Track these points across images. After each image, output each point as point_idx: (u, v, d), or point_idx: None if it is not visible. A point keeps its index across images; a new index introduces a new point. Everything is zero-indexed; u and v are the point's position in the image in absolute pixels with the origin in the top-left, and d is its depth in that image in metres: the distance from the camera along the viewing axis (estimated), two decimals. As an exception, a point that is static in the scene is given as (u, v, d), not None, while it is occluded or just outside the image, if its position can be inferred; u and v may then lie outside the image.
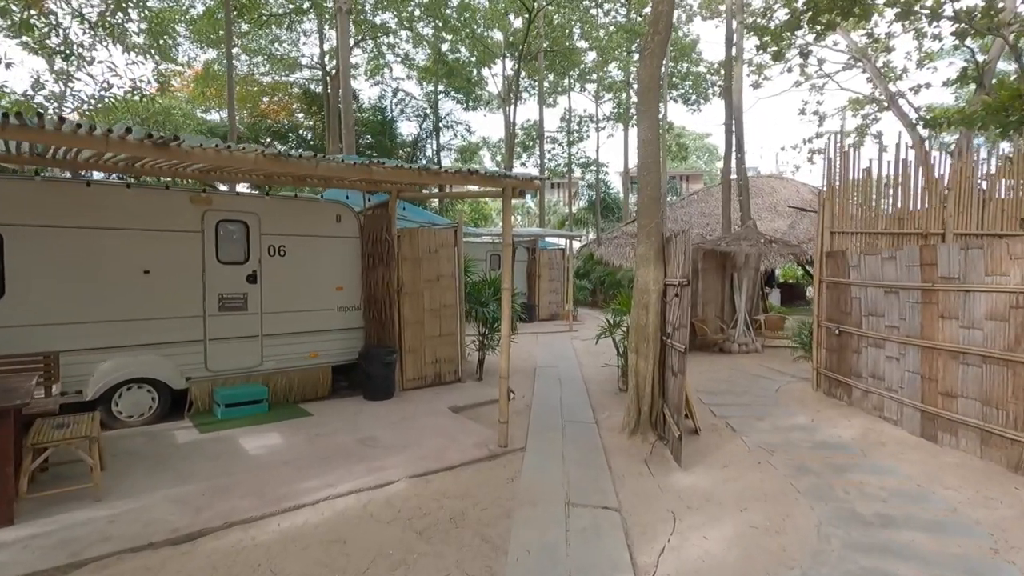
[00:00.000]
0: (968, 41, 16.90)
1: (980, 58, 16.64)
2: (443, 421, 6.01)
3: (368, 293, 7.30)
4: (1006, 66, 22.26)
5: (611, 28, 22.32)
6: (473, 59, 22.36)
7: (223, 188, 8.44)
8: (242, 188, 10.32)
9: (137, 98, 9.71)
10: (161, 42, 9.54)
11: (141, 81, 9.54)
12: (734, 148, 14.22)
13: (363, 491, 4.16)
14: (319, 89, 22.35)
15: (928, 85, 25.34)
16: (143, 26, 8.50)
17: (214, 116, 23.93)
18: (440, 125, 23.50)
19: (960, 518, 3.98)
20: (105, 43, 8.07)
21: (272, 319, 6.59)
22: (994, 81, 16.74)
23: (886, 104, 21.06)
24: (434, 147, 23.74)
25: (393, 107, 22.82)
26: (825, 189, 8.26)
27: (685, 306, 5.12)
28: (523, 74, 25.27)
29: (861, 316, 7.03)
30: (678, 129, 29.30)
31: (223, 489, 4.06)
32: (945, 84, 19.05)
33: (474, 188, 5.96)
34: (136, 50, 8.15)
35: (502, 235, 5.36)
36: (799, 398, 7.74)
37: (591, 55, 26.53)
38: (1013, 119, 14.16)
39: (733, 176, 14.89)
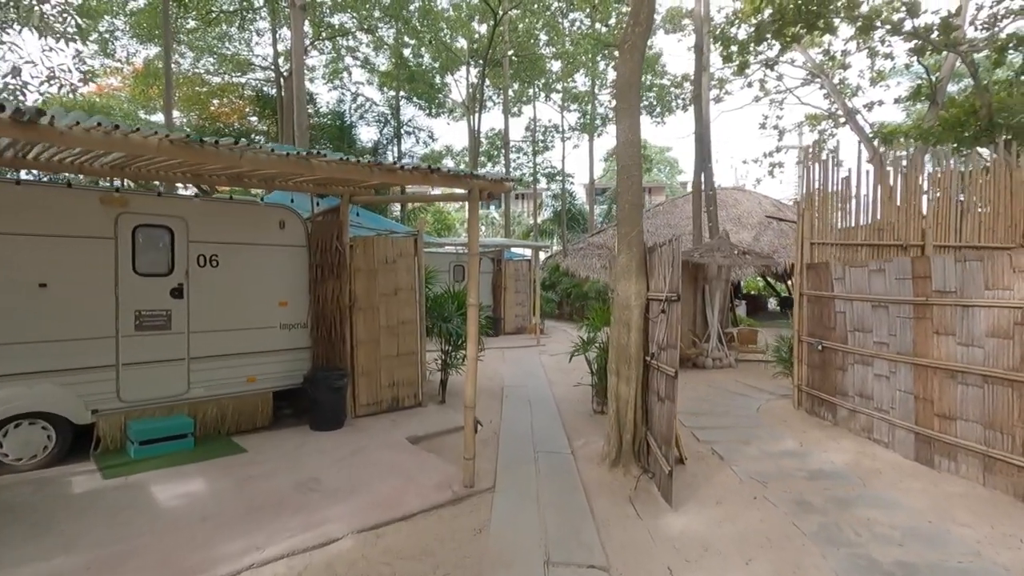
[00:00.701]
0: (922, 60, 17.35)
1: (933, 77, 17.12)
2: (399, 456, 5.27)
3: (317, 309, 6.50)
4: (952, 87, 23.17)
5: (577, 36, 22.14)
6: (436, 65, 21.78)
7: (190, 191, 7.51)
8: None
9: (55, 90, 8.61)
10: (84, 24, 8.47)
11: (62, 69, 8.46)
12: (704, 158, 14.02)
13: (298, 554, 3.40)
14: (273, 91, 21.31)
15: (881, 103, 26.17)
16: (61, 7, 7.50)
17: (159, 117, 22.47)
18: (402, 131, 22.72)
19: (986, 564, 3.52)
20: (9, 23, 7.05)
21: (202, 339, 5.72)
22: (946, 99, 17.28)
23: (843, 120, 21.57)
24: (395, 153, 22.90)
25: (352, 112, 21.96)
26: (803, 199, 7.96)
27: (674, 323, 4.58)
28: (488, 82, 24.83)
29: (847, 331, 6.68)
30: (641, 141, 29.47)
31: (116, 560, 3.22)
32: (897, 101, 19.62)
33: (436, 191, 5.29)
34: (54, 34, 7.16)
35: (468, 245, 4.73)
36: (782, 417, 7.34)
37: (557, 64, 26.37)
38: (968, 135, 14.52)
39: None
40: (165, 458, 4.99)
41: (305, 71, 24.13)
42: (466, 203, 4.78)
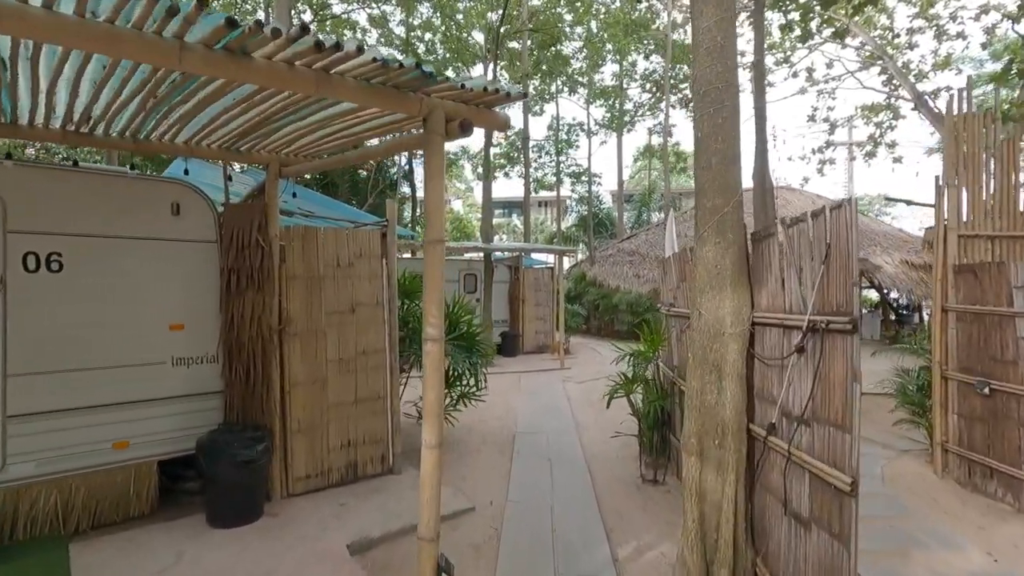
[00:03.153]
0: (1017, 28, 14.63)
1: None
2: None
3: (230, 335, 4.35)
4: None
5: (605, 21, 19.96)
6: (447, 56, 19.86)
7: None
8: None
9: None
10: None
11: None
12: (763, 139, 11.69)
13: None
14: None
15: (948, 88, 23.17)
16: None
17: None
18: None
19: None
20: None
21: (30, 385, 3.62)
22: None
23: (912, 106, 18.81)
24: (406, 154, 21.01)
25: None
26: (946, 168, 5.53)
27: (837, 376, 2.27)
28: (504, 72, 22.77)
29: (1049, 370, 4.24)
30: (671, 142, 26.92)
31: None
32: (993, 79, 16.88)
33: (380, 147, 3.11)
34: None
35: (426, 218, 2.59)
36: (925, 492, 4.90)
37: (580, 56, 24.18)
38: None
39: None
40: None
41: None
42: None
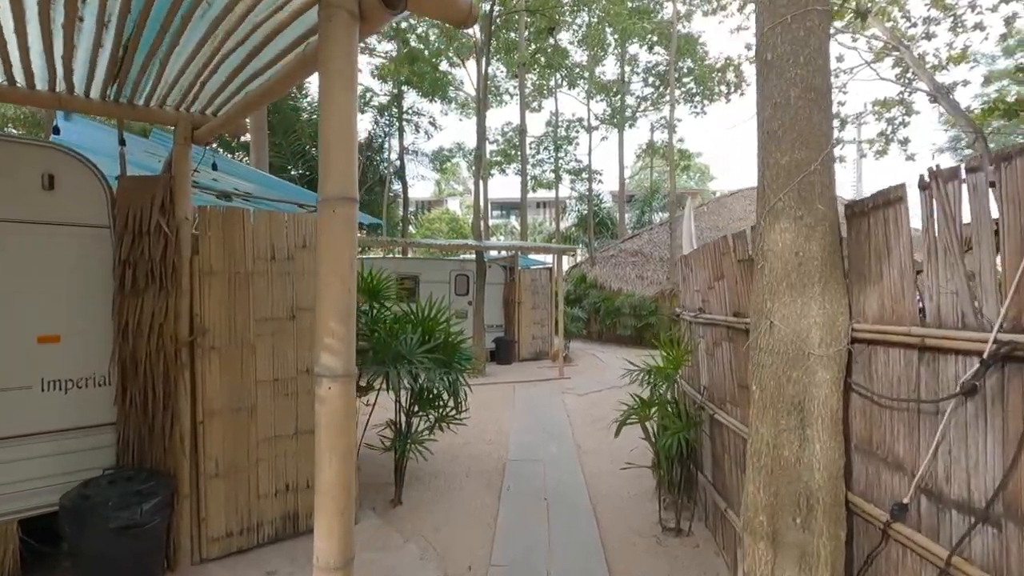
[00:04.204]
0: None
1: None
2: None
3: (124, 349, 3.30)
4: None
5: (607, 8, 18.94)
6: (441, 47, 18.81)
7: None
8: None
9: None
10: None
11: None
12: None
13: None
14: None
15: (966, 82, 22.24)
16: None
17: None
18: (403, 118, 19.63)
19: None
20: None
21: None
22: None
23: (932, 98, 17.84)
24: (397, 148, 19.94)
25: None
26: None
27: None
28: (500, 65, 21.78)
29: None
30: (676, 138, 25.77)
31: None
32: (1019, 70, 15.93)
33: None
34: None
35: (320, 140, 1.53)
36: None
37: (579, 51, 23.25)
38: None
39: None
40: None
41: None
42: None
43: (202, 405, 3.35)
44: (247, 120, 4.17)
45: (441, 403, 4.75)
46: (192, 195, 3.50)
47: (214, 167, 3.43)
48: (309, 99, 19.84)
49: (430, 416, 4.80)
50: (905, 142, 21.53)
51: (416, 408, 4.72)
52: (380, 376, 4.36)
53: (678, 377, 4.49)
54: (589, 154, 22.13)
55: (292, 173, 17.69)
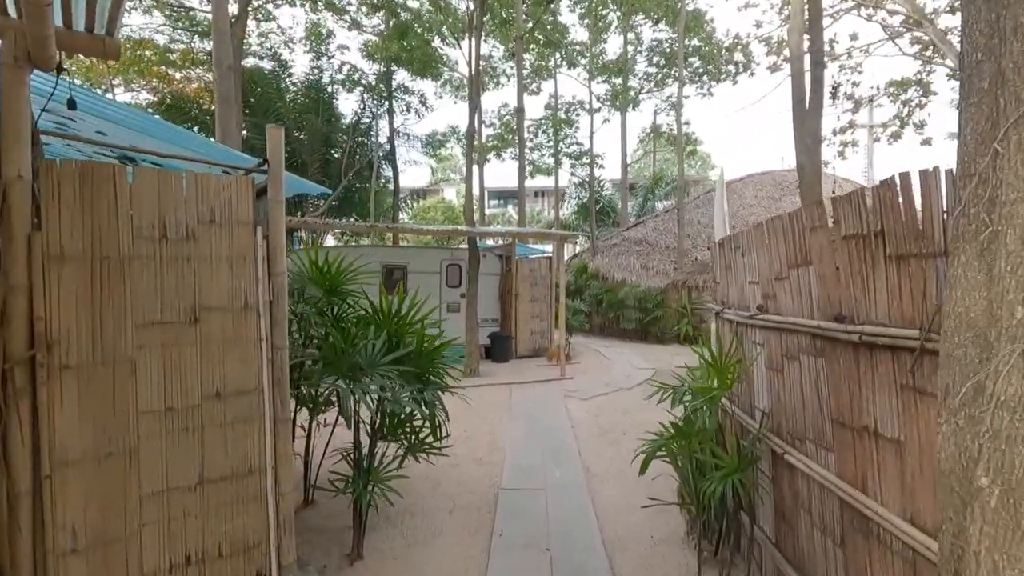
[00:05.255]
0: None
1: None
2: None
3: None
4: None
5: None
6: (434, 20, 17.56)
7: None
8: None
9: None
10: None
11: None
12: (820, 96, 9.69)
13: None
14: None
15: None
16: None
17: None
18: (393, 95, 18.31)
19: None
20: None
21: None
22: None
23: (948, 77, 16.73)
24: (387, 129, 18.69)
25: (332, 77, 17.78)
26: None
27: None
28: (496, 42, 20.57)
29: None
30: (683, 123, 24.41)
31: None
32: None
33: None
34: None
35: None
36: None
37: (580, 27, 22.02)
38: None
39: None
40: None
41: (281, 37, 20.19)
42: None
43: (49, 452, 2.29)
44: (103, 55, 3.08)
45: (412, 428, 3.71)
46: (42, 146, 2.41)
47: (71, 105, 2.35)
48: (294, 78, 18.61)
49: (401, 442, 3.75)
50: (921, 125, 20.38)
51: (382, 438, 3.67)
52: (318, 399, 3.32)
53: (722, 400, 3.45)
54: (591, 136, 20.97)
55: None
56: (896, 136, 20.50)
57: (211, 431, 2.66)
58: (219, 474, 2.68)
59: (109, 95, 18.74)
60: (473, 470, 5.22)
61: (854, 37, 21.15)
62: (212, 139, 8.29)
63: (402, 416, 3.54)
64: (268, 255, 2.85)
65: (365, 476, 3.46)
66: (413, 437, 3.70)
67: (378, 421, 3.58)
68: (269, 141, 2.88)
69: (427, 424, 3.68)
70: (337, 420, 3.77)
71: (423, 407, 3.50)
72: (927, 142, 19.54)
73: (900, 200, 1.72)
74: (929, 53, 18.28)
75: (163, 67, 17.97)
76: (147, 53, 17.38)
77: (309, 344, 3.96)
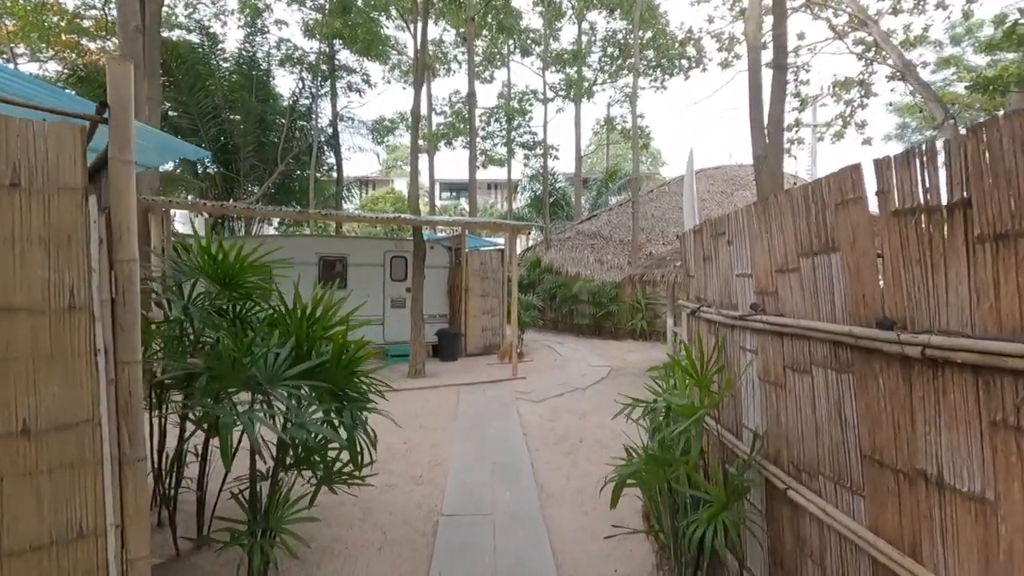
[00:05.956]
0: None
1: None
2: None
3: None
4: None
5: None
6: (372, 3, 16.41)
7: None
8: None
9: None
10: None
11: None
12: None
13: None
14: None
15: (924, 64, 21.83)
16: None
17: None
18: (335, 74, 17.02)
19: None
20: None
21: None
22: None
23: (899, 75, 17.20)
24: (330, 113, 17.38)
25: (268, 53, 16.37)
26: None
27: None
28: (446, 25, 19.68)
29: None
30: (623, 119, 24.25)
31: None
32: (989, 47, 15.34)
33: None
34: None
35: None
36: None
37: (534, 14, 21.44)
38: None
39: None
40: None
41: (211, 8, 18.48)
42: None
43: None
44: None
45: (325, 456, 2.98)
46: None
47: None
48: (227, 54, 17.06)
49: (314, 472, 3.02)
50: (863, 125, 20.91)
51: (289, 463, 2.93)
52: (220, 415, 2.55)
53: (707, 417, 2.90)
54: (544, 126, 20.49)
55: (201, 136, 15.06)
56: (839, 135, 21.01)
57: (12, 483, 1.87)
58: (27, 543, 1.89)
59: (10, 65, 16.64)
60: (410, 492, 4.53)
61: (801, 36, 21.51)
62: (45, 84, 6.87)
63: (309, 442, 2.81)
64: (109, 236, 2.07)
65: (264, 520, 2.72)
66: (328, 466, 2.97)
67: (282, 450, 2.83)
68: (110, 77, 2.08)
69: (342, 450, 2.96)
70: (242, 439, 3.01)
71: (339, 431, 2.79)
72: (867, 142, 20.11)
73: (1005, 152, 1.17)
74: (872, 55, 18.76)
75: (74, 35, 16.06)
76: (53, 18, 15.49)
77: (196, 353, 3.15)
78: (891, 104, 32.28)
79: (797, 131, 22.35)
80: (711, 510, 2.37)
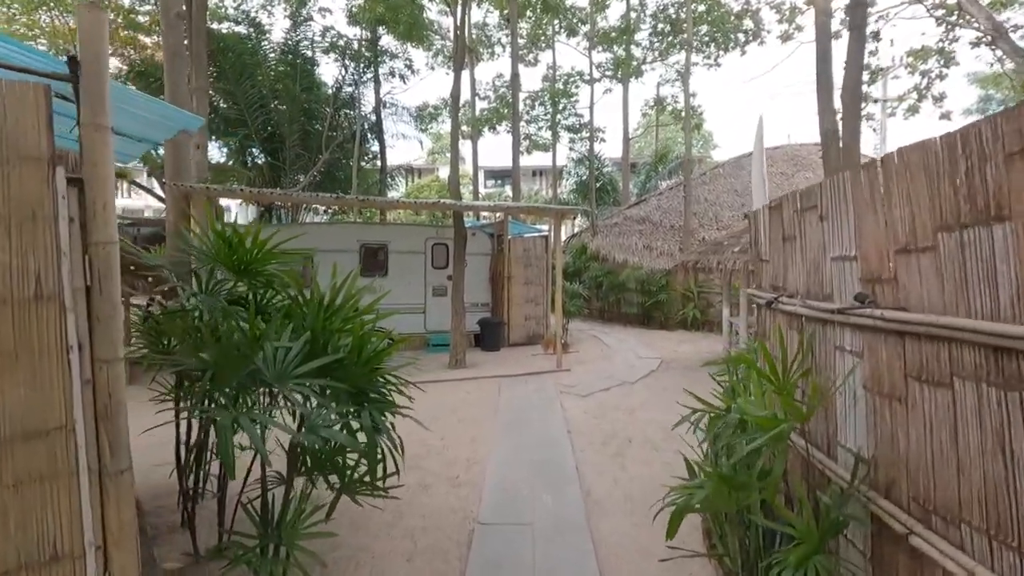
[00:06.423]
0: None
1: None
2: None
3: None
4: None
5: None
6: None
7: None
8: None
9: None
10: None
11: None
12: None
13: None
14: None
15: (1015, 27, 19.67)
16: None
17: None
18: (378, 60, 16.89)
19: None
20: None
21: None
22: None
23: (989, 39, 15.47)
24: (373, 100, 17.32)
25: (312, 41, 16.38)
26: None
27: None
28: (493, 14, 19.19)
29: None
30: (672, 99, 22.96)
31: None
32: None
33: None
34: None
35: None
36: None
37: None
38: None
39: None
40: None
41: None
42: None
43: None
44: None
45: (344, 461, 2.67)
46: None
47: None
48: (272, 44, 17.20)
49: (328, 479, 2.73)
50: (941, 98, 19.03)
51: (303, 469, 2.64)
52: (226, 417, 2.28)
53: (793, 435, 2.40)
54: (591, 108, 19.71)
55: (249, 126, 15.24)
56: (913, 109, 19.25)
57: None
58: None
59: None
60: (446, 495, 4.22)
61: (871, 2, 19.81)
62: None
63: (326, 449, 2.50)
64: (83, 215, 1.79)
65: (276, 534, 2.44)
66: (347, 474, 2.67)
67: (294, 455, 2.54)
68: (81, 27, 1.78)
69: (366, 457, 2.64)
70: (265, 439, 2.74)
71: (360, 435, 2.47)
72: (946, 116, 18.29)
73: None
74: (954, 18, 17.05)
75: (131, 31, 16.56)
76: (110, 15, 16.02)
77: (196, 344, 2.90)
78: (973, 74, 29.45)
79: (865, 107, 20.65)
80: (801, 551, 1.90)
